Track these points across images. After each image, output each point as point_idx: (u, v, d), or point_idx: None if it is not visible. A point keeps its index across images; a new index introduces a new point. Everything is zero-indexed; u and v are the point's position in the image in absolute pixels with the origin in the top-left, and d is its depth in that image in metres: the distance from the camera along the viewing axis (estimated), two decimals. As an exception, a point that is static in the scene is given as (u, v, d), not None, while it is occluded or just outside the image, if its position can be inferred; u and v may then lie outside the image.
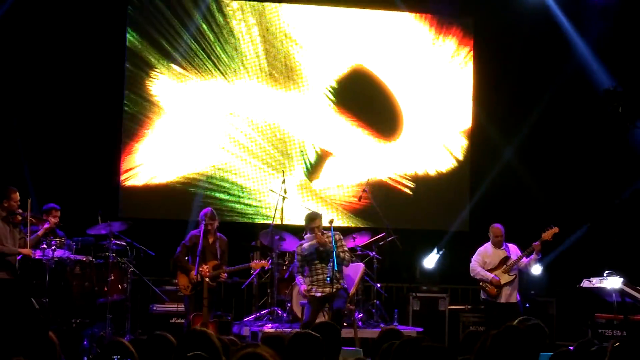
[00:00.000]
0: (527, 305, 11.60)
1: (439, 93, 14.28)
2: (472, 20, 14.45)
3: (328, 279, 10.36)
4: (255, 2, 13.86)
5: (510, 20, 14.15)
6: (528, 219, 13.41)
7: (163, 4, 13.54)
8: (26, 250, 10.49)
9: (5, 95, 12.83)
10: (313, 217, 10.87)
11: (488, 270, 11.44)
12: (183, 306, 11.38)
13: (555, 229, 11.32)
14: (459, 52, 14.34)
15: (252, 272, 12.01)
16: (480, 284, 11.56)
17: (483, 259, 11.57)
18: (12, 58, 12.89)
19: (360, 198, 12.75)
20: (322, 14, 14.09)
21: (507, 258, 11.44)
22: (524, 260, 11.37)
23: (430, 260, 13.70)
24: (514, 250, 11.58)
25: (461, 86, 14.35)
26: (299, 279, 10.88)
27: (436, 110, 14.26)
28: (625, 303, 11.01)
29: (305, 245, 10.75)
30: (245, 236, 12.76)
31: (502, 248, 11.56)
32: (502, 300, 11.42)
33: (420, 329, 12.02)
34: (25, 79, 12.96)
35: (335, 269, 10.35)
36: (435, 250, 13.18)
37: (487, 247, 11.67)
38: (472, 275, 11.62)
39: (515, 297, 11.47)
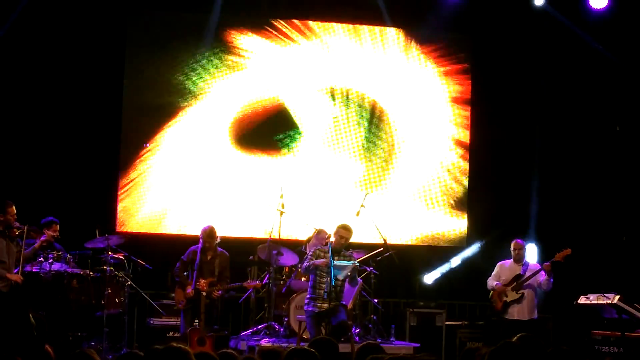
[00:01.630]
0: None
1: (434, 102, 14.34)
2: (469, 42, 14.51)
3: (325, 294, 10.30)
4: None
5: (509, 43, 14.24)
6: (527, 235, 13.45)
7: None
8: (15, 277, 10.35)
9: (5, 110, 12.89)
10: (348, 228, 10.70)
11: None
12: (179, 320, 11.41)
13: (568, 251, 11.27)
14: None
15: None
16: (491, 299, 11.54)
17: (499, 273, 11.57)
18: (16, 75, 12.99)
19: (358, 213, 12.71)
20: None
21: (519, 276, 11.41)
22: (540, 278, 11.33)
23: (430, 276, 13.77)
24: (532, 268, 11.54)
25: (459, 93, 14.40)
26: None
27: (433, 124, 14.29)
28: (622, 319, 11.01)
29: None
30: (243, 251, 12.76)
31: (521, 264, 11.54)
32: (508, 316, 11.37)
33: (417, 345, 12.02)
34: (26, 92, 13.03)
35: (333, 284, 10.29)
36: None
37: (508, 261, 11.64)
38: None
39: (527, 314, 11.38)
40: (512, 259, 11.59)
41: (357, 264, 10.53)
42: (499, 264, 11.72)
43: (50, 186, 12.82)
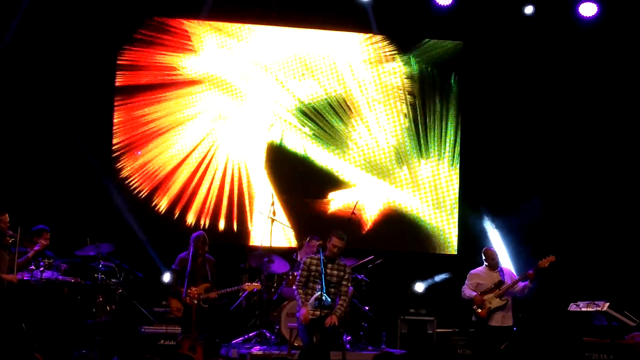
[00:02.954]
0: (515, 328, 11.59)
1: (424, 109, 14.37)
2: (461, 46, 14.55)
3: (317, 302, 10.26)
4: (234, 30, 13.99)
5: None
6: (517, 242, 13.49)
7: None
8: (10, 277, 10.39)
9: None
10: (342, 237, 10.45)
11: (482, 293, 11.44)
12: (171, 328, 11.43)
13: (552, 258, 11.28)
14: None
15: (240, 293, 12.01)
16: (474, 307, 11.55)
17: (476, 281, 11.58)
18: (7, 83, 13.04)
19: (349, 220, 12.72)
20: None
21: (501, 282, 11.43)
22: (520, 284, 11.37)
23: (421, 284, 13.80)
24: (508, 273, 11.57)
25: (449, 100, 14.45)
26: (298, 297, 10.36)
27: (422, 131, 14.32)
28: (612, 327, 11.06)
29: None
30: (234, 258, 12.78)
31: (497, 271, 11.57)
32: (493, 323, 11.38)
33: (404, 351, 12.02)
34: (16, 100, 13.06)
35: (324, 291, 10.23)
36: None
37: (481, 269, 11.66)
38: (463, 298, 11.64)
39: (509, 321, 11.45)
40: (484, 267, 11.64)
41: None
42: (471, 273, 11.68)
43: (41, 194, 12.82)
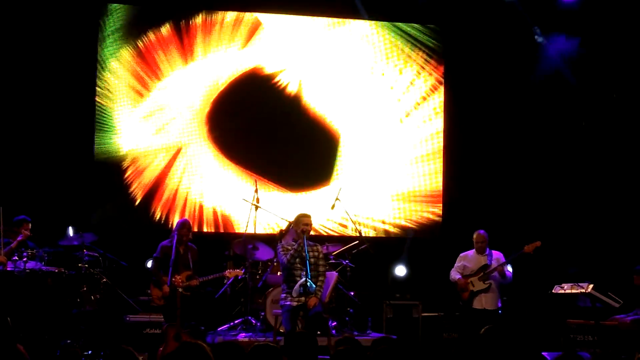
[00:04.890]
0: (500, 312, 11.65)
1: (407, 92, 14.37)
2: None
3: (301, 289, 10.24)
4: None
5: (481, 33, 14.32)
6: (500, 225, 13.50)
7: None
8: (0, 258, 10.43)
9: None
10: (306, 214, 10.55)
11: (466, 276, 11.51)
12: (155, 317, 11.42)
13: (538, 243, 11.38)
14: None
15: (225, 281, 12.01)
16: (458, 289, 11.62)
17: (462, 264, 11.66)
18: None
19: (333, 206, 12.72)
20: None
21: (486, 266, 11.50)
22: (507, 271, 11.42)
23: (401, 268, 13.83)
24: (496, 257, 11.62)
25: (432, 84, 14.43)
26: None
27: (405, 115, 14.33)
28: (596, 308, 11.12)
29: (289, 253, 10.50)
30: (218, 245, 12.76)
31: (485, 255, 11.61)
32: (476, 306, 11.47)
33: (394, 337, 12.04)
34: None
35: (309, 276, 10.23)
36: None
37: (470, 252, 11.75)
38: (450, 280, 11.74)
39: (493, 305, 11.51)
40: (473, 250, 11.70)
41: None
42: (461, 255, 11.82)
43: (21, 184, 12.75)
